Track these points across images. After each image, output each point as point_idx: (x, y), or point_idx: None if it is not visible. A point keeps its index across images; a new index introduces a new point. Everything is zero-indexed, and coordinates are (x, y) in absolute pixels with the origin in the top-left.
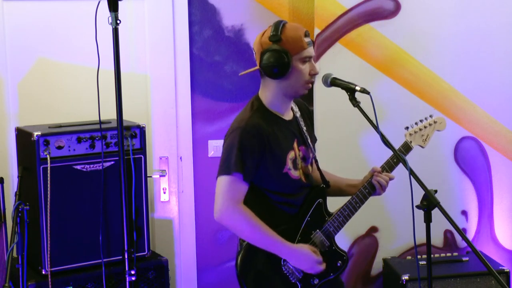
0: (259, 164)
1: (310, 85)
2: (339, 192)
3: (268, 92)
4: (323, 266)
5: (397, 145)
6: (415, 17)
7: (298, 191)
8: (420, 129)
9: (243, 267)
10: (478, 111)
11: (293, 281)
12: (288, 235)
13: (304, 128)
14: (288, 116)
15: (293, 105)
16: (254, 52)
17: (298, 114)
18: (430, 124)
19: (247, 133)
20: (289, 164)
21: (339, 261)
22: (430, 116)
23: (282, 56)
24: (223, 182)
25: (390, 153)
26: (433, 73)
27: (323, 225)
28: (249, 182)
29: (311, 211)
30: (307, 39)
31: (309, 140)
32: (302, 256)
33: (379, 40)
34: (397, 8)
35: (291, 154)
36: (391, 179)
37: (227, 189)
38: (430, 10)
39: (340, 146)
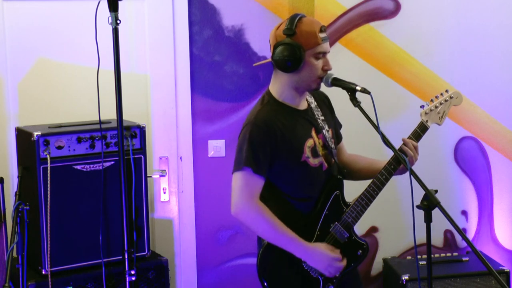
0: (273, 158)
1: (321, 80)
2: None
3: (280, 84)
4: (343, 263)
5: (410, 130)
6: (415, 17)
7: (317, 181)
8: (436, 107)
9: (264, 265)
10: (478, 111)
11: (315, 275)
12: (307, 230)
13: (321, 118)
14: (303, 106)
15: (308, 96)
16: (269, 44)
17: (313, 105)
18: (446, 100)
19: (257, 127)
20: (307, 152)
21: (360, 250)
22: (446, 91)
23: (294, 50)
24: (237, 178)
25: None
26: (433, 73)
27: (341, 216)
28: (264, 176)
29: (328, 204)
30: (322, 35)
31: (324, 130)
32: (317, 256)
33: (379, 40)
34: (397, 8)
35: (309, 142)
36: (414, 146)
37: (242, 184)
38: (430, 10)
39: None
